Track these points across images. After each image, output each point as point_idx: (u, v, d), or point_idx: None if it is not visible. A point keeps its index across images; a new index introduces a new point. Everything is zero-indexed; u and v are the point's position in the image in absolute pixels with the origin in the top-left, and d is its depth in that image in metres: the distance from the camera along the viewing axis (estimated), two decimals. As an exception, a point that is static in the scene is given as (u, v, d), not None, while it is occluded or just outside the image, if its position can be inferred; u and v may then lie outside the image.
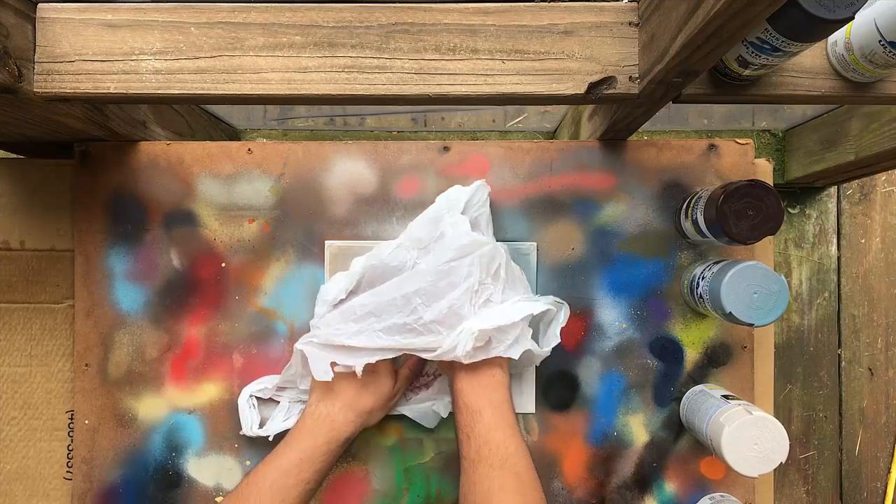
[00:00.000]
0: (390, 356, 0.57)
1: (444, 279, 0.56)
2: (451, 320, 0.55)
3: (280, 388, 0.64)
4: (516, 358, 0.56)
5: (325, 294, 0.60)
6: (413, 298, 0.56)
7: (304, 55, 0.51)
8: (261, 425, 0.63)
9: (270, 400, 0.65)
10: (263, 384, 0.64)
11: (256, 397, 0.64)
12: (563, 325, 0.59)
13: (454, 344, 0.54)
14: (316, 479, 0.55)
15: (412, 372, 0.63)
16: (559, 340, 0.59)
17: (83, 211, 0.65)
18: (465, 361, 0.54)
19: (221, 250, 0.65)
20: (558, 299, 0.61)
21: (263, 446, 0.63)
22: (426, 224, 0.60)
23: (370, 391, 0.58)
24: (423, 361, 0.64)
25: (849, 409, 1.10)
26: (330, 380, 0.56)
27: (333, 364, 0.56)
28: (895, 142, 0.79)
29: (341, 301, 0.59)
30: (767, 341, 0.68)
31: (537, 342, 0.59)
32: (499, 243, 0.59)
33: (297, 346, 0.59)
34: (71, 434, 0.67)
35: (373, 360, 0.56)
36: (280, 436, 0.61)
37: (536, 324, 0.61)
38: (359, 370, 0.56)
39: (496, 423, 0.54)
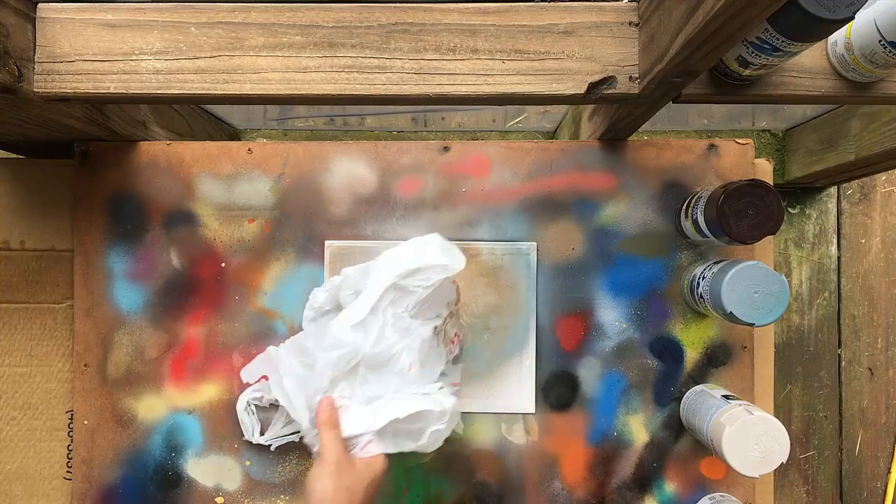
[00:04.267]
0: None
1: (312, 368, 0.57)
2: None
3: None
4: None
5: (313, 300, 0.62)
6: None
7: (304, 55, 0.51)
8: (262, 431, 0.63)
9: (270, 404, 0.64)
10: (260, 392, 0.63)
11: (255, 404, 0.64)
12: (446, 434, 0.55)
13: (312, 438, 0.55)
14: None
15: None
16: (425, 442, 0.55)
17: (83, 211, 0.65)
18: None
19: (221, 250, 0.65)
20: (451, 398, 0.56)
21: (264, 447, 0.63)
22: (359, 275, 0.59)
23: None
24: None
25: (849, 409, 1.10)
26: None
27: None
28: (895, 142, 0.79)
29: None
30: (767, 341, 0.68)
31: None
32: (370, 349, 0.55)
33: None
34: (71, 434, 0.67)
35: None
36: (281, 444, 0.63)
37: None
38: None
39: None
